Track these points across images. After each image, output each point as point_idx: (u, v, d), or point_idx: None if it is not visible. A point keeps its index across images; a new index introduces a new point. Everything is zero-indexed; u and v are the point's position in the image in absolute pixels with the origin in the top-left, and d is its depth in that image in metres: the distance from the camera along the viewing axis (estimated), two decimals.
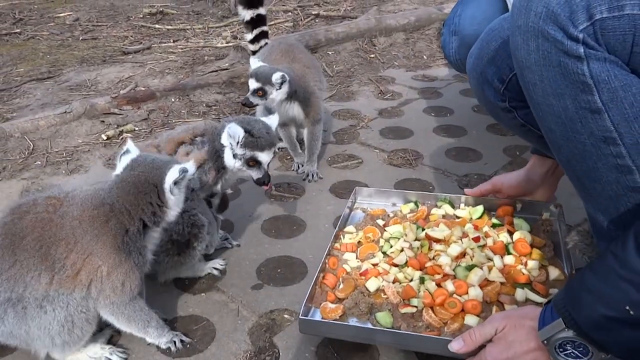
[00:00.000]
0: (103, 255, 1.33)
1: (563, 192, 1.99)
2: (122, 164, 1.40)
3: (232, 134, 1.64)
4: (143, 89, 3.40)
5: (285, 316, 1.62)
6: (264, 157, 1.72)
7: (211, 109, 3.21)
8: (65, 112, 2.91)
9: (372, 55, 4.12)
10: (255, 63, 2.27)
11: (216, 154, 1.72)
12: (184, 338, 1.53)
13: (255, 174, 1.74)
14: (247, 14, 2.49)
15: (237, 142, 1.66)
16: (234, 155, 1.70)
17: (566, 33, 1.05)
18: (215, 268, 1.81)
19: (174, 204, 1.41)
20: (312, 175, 2.40)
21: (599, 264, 1.07)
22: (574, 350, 1.09)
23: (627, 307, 0.98)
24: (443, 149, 2.64)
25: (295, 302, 1.67)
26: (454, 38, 2.38)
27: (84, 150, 2.71)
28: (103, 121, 2.98)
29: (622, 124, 1.08)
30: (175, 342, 1.50)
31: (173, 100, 3.28)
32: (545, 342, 1.12)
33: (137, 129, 2.94)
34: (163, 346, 1.49)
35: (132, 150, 1.42)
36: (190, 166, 1.39)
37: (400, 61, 4.03)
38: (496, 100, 1.59)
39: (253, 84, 2.18)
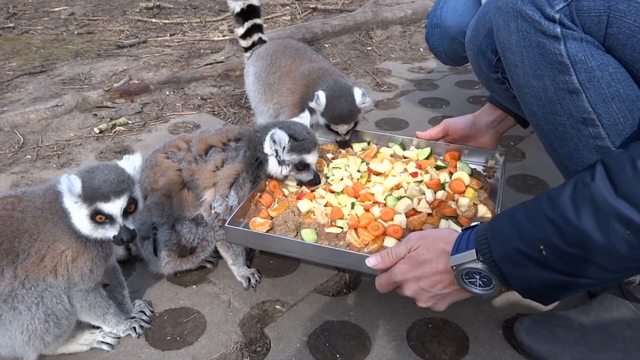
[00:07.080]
0: (65, 241, 1.31)
1: (556, 182, 1.94)
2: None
3: (277, 139, 1.58)
4: (137, 82, 3.37)
5: (277, 307, 1.59)
6: (312, 158, 1.66)
7: (206, 102, 3.18)
8: (57, 105, 2.87)
9: (369, 48, 4.08)
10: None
11: (256, 162, 1.65)
12: (144, 319, 1.53)
13: (305, 176, 1.68)
14: (236, 5, 2.22)
15: (284, 148, 1.60)
16: (280, 162, 1.63)
17: (543, 13, 1.07)
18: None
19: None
20: None
21: (531, 201, 1.08)
22: (479, 280, 1.12)
23: (542, 247, 0.99)
24: None
25: (287, 292, 1.64)
26: (435, 30, 2.41)
27: (76, 144, 2.67)
28: (96, 114, 2.94)
29: (599, 104, 1.10)
30: (135, 328, 1.50)
31: (167, 93, 3.25)
32: (454, 267, 1.13)
33: (130, 122, 2.90)
34: (122, 334, 1.49)
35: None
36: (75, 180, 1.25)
37: (397, 53, 4.00)
38: (489, 72, 1.60)
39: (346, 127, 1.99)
